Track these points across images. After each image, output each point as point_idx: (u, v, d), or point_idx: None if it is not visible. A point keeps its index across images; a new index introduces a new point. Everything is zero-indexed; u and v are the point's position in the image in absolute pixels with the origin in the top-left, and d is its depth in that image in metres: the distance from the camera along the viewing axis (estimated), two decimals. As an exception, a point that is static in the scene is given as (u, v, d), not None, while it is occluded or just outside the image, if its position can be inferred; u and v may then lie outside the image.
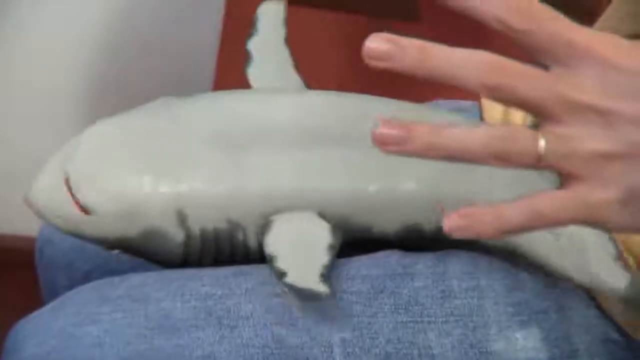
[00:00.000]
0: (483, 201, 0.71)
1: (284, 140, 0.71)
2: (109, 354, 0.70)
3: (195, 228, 0.71)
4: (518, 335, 0.69)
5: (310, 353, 0.69)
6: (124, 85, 1.59)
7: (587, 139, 0.47)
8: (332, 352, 0.69)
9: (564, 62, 0.47)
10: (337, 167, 0.71)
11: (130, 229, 0.71)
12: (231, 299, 0.70)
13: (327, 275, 0.68)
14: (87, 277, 0.86)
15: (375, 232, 0.72)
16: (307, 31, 1.35)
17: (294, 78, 0.80)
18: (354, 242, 0.74)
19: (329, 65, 1.36)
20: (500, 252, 0.72)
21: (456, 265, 0.71)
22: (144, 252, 0.73)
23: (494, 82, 0.46)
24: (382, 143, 0.46)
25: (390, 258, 0.72)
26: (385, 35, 0.45)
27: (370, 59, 0.45)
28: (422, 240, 0.73)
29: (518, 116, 0.80)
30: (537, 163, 0.47)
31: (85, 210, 0.71)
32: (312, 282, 0.67)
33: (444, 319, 0.69)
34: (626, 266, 0.68)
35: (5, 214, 1.66)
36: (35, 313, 0.75)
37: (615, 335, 0.70)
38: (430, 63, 0.45)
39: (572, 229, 0.68)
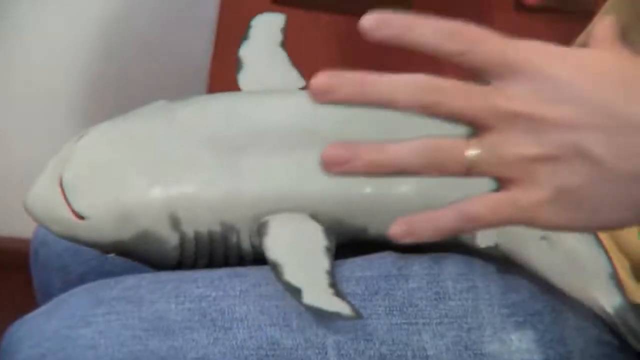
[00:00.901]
0: None
1: (279, 142, 0.71)
2: (104, 356, 0.70)
3: (190, 231, 0.71)
4: (512, 336, 0.69)
5: (305, 355, 0.69)
6: (122, 85, 1.59)
7: (516, 144, 0.49)
8: (326, 354, 0.69)
9: (500, 77, 0.49)
10: None
11: (124, 233, 0.71)
12: (225, 301, 0.70)
13: (337, 285, 0.68)
14: (81, 279, 0.86)
15: (369, 234, 0.72)
16: (301, 33, 1.35)
17: (291, 75, 0.80)
18: (348, 243, 0.73)
19: (324, 67, 1.36)
20: (494, 257, 0.72)
21: (451, 266, 0.71)
22: (138, 255, 0.73)
23: (429, 101, 0.48)
24: (328, 164, 0.49)
25: (385, 260, 0.72)
26: (329, 72, 0.49)
27: (315, 94, 0.48)
28: (417, 243, 0.73)
29: None
30: (469, 171, 0.49)
31: (79, 215, 0.71)
32: (330, 300, 0.67)
33: (438, 320, 0.69)
34: (619, 285, 0.67)
35: (1, 215, 1.66)
36: (30, 315, 0.75)
37: (609, 337, 0.69)
38: (368, 92, 0.49)
39: (570, 240, 0.68)
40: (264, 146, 0.71)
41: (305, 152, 0.71)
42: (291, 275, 0.68)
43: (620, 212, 0.50)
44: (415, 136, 0.51)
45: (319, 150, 0.71)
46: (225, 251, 0.72)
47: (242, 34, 1.28)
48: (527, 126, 0.49)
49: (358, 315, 0.66)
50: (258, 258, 0.73)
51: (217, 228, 0.71)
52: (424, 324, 0.69)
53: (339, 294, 0.67)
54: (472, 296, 0.70)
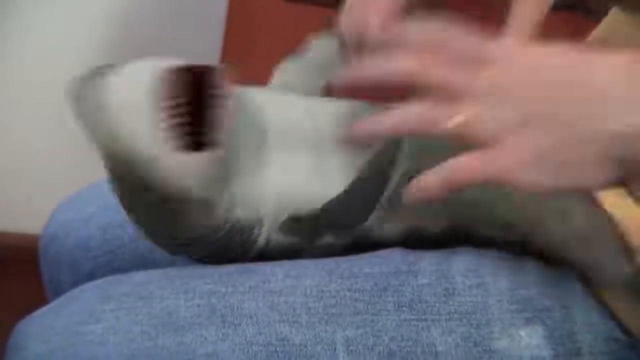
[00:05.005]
0: (485, 204, 0.71)
1: (302, 143, 0.71)
2: (113, 352, 0.70)
3: (232, 217, 0.70)
4: (522, 332, 0.69)
5: (314, 351, 0.69)
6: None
7: (495, 112, 0.59)
8: (335, 350, 0.69)
9: (486, 64, 0.60)
10: (349, 171, 0.71)
11: (196, 188, 0.66)
12: (235, 297, 0.71)
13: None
14: (91, 275, 0.86)
15: (374, 234, 0.73)
16: (310, 30, 1.35)
17: None
18: (358, 241, 0.74)
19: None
20: (509, 245, 0.72)
21: (460, 262, 0.71)
22: (180, 216, 0.69)
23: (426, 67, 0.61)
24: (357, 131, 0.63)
25: (394, 256, 0.73)
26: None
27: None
28: (426, 240, 0.74)
29: None
30: (458, 130, 0.59)
31: (200, 147, 0.65)
32: None
33: (447, 316, 0.69)
34: (631, 258, 0.68)
35: (9, 211, 1.66)
36: (39, 311, 0.75)
37: (618, 334, 0.70)
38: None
39: (579, 218, 0.70)
40: (287, 145, 0.71)
41: (326, 155, 0.71)
42: None
43: (588, 170, 0.58)
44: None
45: (339, 154, 0.71)
46: (243, 245, 0.72)
47: (250, 33, 1.28)
48: (504, 98, 0.59)
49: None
50: (269, 256, 0.73)
51: (252, 220, 0.71)
52: (433, 320, 0.69)
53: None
54: (482, 292, 0.70)
